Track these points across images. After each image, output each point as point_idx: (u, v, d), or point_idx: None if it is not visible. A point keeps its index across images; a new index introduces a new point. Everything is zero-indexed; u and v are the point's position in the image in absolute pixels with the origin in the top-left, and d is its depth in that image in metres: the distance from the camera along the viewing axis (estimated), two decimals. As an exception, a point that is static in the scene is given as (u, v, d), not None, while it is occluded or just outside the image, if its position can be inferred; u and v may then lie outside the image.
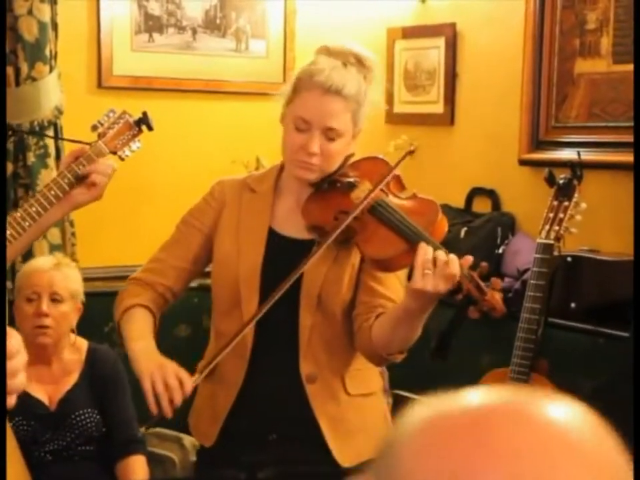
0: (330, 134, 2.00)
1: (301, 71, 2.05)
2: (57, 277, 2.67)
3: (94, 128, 2.17)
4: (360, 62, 2.05)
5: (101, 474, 2.71)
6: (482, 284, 1.88)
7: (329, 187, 2.07)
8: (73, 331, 2.75)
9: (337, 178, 2.08)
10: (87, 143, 2.16)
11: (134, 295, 2.12)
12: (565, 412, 0.63)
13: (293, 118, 2.02)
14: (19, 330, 2.64)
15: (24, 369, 1.33)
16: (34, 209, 2.07)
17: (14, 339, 1.32)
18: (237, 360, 2.08)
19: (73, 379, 2.71)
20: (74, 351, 2.75)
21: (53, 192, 2.09)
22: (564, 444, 0.61)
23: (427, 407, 0.66)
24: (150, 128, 2.23)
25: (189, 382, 1.93)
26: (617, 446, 0.63)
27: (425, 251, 1.83)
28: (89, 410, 2.68)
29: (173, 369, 1.94)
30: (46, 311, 2.63)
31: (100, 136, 2.17)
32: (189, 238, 2.15)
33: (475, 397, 0.65)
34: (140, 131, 2.22)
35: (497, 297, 1.89)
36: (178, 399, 1.90)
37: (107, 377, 2.74)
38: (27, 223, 2.06)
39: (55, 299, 2.66)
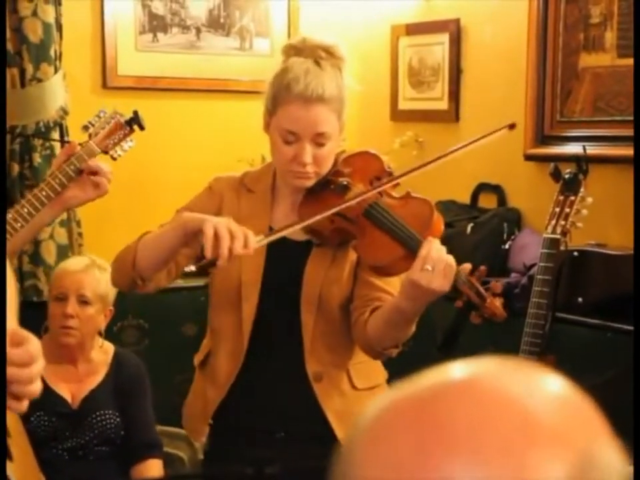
0: (320, 140, 1.97)
1: (276, 81, 1.99)
2: (86, 279, 2.67)
3: (85, 128, 2.18)
4: (330, 54, 2.00)
5: (114, 475, 2.72)
6: (481, 289, 1.89)
7: (323, 188, 2.05)
8: (100, 334, 2.76)
9: (331, 178, 2.05)
10: (79, 144, 2.16)
11: None
12: (523, 384, 0.59)
13: (279, 131, 1.98)
14: (49, 328, 2.66)
15: (39, 377, 1.32)
16: (25, 209, 2.07)
17: (33, 345, 1.31)
18: (231, 359, 2.08)
19: (98, 379, 2.73)
20: (101, 353, 2.77)
21: (44, 193, 2.09)
22: (519, 417, 0.56)
23: (384, 396, 0.61)
24: (141, 127, 2.23)
25: (253, 240, 1.86)
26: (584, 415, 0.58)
27: (429, 247, 1.83)
28: (110, 411, 2.70)
29: (238, 225, 1.87)
30: (71, 313, 2.64)
31: (91, 136, 2.17)
32: None
33: (426, 378, 0.60)
34: (132, 130, 2.23)
35: (497, 302, 1.90)
36: (238, 249, 1.82)
37: (131, 380, 2.75)
38: (19, 224, 2.07)
39: (82, 301, 2.66)
